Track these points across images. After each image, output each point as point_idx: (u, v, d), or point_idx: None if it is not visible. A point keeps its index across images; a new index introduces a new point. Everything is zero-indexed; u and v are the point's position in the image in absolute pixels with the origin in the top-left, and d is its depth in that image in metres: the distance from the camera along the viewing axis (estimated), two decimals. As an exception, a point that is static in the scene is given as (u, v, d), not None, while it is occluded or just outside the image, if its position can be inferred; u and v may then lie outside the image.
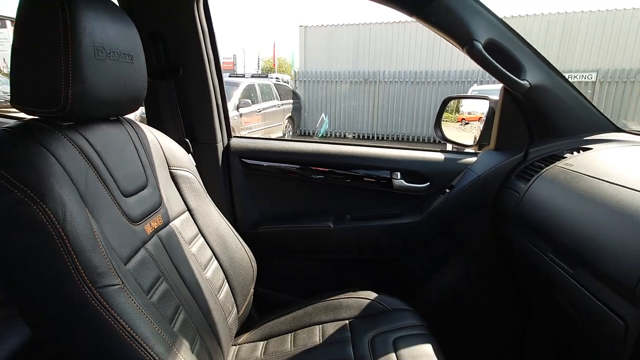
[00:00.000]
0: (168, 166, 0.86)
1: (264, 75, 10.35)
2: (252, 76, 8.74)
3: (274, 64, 19.98)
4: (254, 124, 7.34)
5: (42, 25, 0.55)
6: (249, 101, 7.12)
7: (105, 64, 0.61)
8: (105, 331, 0.51)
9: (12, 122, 0.59)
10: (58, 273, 0.49)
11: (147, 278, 0.65)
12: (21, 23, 0.56)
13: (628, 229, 0.63)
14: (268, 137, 1.70)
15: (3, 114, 1.24)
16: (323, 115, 9.95)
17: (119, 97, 0.67)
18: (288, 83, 10.46)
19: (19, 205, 0.48)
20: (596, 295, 0.66)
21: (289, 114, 9.15)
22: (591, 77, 9.93)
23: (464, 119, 1.90)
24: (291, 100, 9.30)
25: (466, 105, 2.16)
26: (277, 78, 9.70)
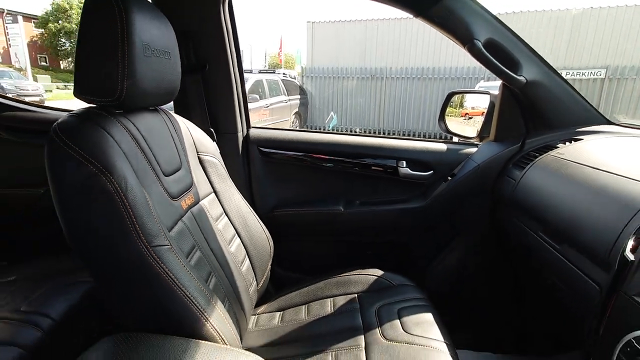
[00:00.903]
0: (197, 152, 0.96)
1: (272, 71, 10.45)
2: (260, 72, 8.82)
3: (281, 60, 20.03)
4: (262, 119, 7.44)
5: (103, 29, 0.64)
6: (257, 96, 7.21)
7: (150, 61, 0.71)
8: (157, 282, 0.61)
9: (45, 111, 0.69)
10: (122, 233, 0.59)
11: (185, 246, 0.76)
12: (85, 27, 0.66)
13: (606, 207, 0.72)
14: (284, 128, 1.80)
15: (36, 104, 1.36)
16: (332, 113, 10.03)
17: (159, 90, 0.77)
18: (295, 79, 10.54)
19: (92, 176, 0.58)
20: (578, 266, 0.75)
21: (296, 110, 9.23)
22: (600, 74, 9.86)
23: (467, 113, 1.97)
24: (298, 96, 9.37)
25: (470, 101, 2.23)
26: (284, 74, 9.78)
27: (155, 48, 0.72)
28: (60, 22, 23.77)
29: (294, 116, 9.11)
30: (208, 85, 1.20)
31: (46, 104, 5.13)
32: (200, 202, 0.90)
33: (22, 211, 1.33)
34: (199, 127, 1.03)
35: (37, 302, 0.92)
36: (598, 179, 0.80)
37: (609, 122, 1.09)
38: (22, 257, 1.15)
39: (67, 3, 23.51)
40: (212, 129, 1.20)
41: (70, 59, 26.48)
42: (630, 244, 0.61)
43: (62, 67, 26.80)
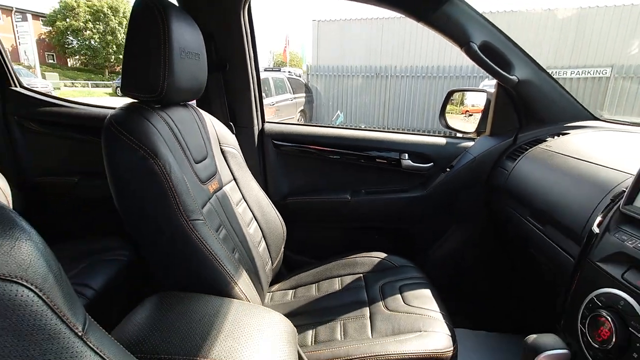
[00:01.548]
0: (219, 143, 1.07)
1: (277, 69, 10.56)
2: (265, 70, 8.92)
3: (286, 58, 20.08)
4: (268, 117, 7.51)
5: (148, 36, 0.76)
6: (263, 94, 7.30)
7: (184, 62, 0.82)
8: (194, 250, 0.73)
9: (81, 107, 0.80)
10: (167, 207, 0.71)
11: (214, 223, 0.87)
12: (131, 34, 0.77)
13: (582, 191, 0.82)
14: (296, 123, 1.91)
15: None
16: (339, 111, 10.13)
17: (191, 87, 0.88)
18: (300, 77, 10.64)
19: (143, 160, 0.70)
20: (559, 244, 0.85)
21: (302, 108, 9.33)
22: (606, 73, 9.86)
23: (467, 111, 2.07)
24: (304, 94, 9.47)
25: (470, 99, 2.34)
26: (289, 72, 9.88)
27: (188, 51, 0.83)
28: (67, 20, 24.02)
29: (299, 114, 9.22)
30: (228, 83, 1.31)
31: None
32: (223, 188, 1.01)
33: (59, 198, 1.45)
34: (219, 120, 1.14)
35: (78, 276, 1.04)
36: (578, 167, 0.90)
37: (594, 118, 1.19)
38: (60, 239, 1.28)
39: (75, 1, 23.74)
40: (231, 123, 1.32)
41: (77, 57, 26.80)
42: (598, 219, 0.71)
43: (69, 64, 27.11)
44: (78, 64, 27.87)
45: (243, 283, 0.78)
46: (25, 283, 0.35)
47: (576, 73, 10.05)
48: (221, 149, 1.08)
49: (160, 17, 0.75)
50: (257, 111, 1.40)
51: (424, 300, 1.00)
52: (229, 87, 1.32)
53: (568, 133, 1.14)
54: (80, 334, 0.38)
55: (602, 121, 1.17)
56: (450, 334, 0.87)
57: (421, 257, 1.44)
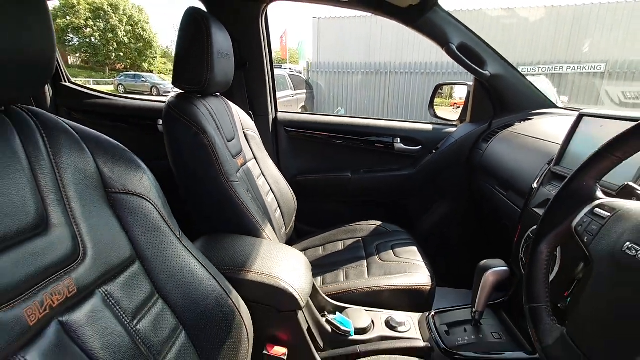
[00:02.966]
0: (242, 128, 1.30)
1: (278, 66, 10.75)
2: (267, 67, 9.08)
3: (285, 55, 20.18)
4: (270, 112, 7.73)
5: (195, 41, 0.98)
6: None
7: (220, 61, 1.04)
8: (232, 203, 0.96)
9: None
10: (213, 173, 0.94)
11: (243, 188, 1.10)
12: (181, 39, 1.00)
13: (531, 160, 1.05)
14: (304, 112, 2.14)
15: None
16: (340, 107, 10.36)
17: (223, 81, 1.11)
18: (301, 74, 10.85)
19: (195, 135, 0.93)
20: (515, 204, 1.08)
21: (302, 104, 9.55)
22: (600, 68, 10.07)
23: (455, 103, 2.29)
24: (304, 90, 9.69)
25: (458, 92, 2.56)
26: (290, 69, 10.08)
27: (222, 52, 1.06)
28: (68, 17, 24.17)
29: (300, 110, 9.43)
30: (248, 78, 1.54)
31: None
32: (247, 164, 1.24)
33: None
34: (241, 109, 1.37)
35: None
36: (532, 143, 1.13)
37: (555, 106, 1.42)
38: None
39: (76, -1, 23.92)
40: (250, 112, 1.55)
41: (77, 54, 26.96)
42: (538, 179, 0.94)
43: (70, 62, 27.26)
44: (79, 62, 28.03)
45: (268, 230, 1.01)
46: (148, 199, 0.59)
47: (572, 68, 10.28)
48: (244, 133, 1.31)
49: (204, 26, 0.98)
50: (271, 102, 1.63)
51: (412, 253, 1.23)
52: (249, 82, 1.55)
53: (532, 119, 1.37)
54: (178, 236, 0.63)
55: (560, 109, 1.40)
56: (430, 274, 1.11)
57: (412, 226, 1.67)
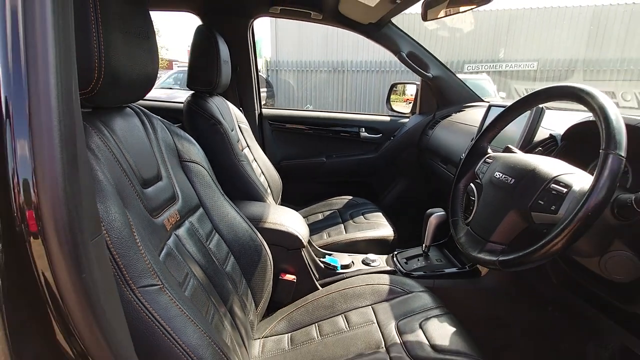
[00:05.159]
0: (237, 121, 1.57)
1: (237, 64, 10.73)
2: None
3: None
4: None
5: (205, 51, 1.25)
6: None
7: (224, 67, 1.32)
8: (241, 175, 1.24)
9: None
10: (226, 154, 1.21)
11: (248, 166, 1.38)
12: (194, 49, 1.26)
13: (462, 140, 1.43)
14: (285, 108, 2.48)
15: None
16: (309, 104, 10.67)
17: (225, 83, 1.38)
18: (260, 71, 10.94)
19: (213, 125, 1.20)
20: (452, 173, 1.46)
21: (263, 102, 9.71)
22: (533, 66, 11.22)
23: (408, 99, 2.68)
24: (265, 89, 9.87)
25: (409, 90, 2.98)
26: (250, 67, 10.16)
27: (225, 60, 1.33)
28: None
29: (262, 108, 9.58)
30: (238, 80, 1.81)
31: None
32: (243, 150, 1.52)
33: None
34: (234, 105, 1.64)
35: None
36: (464, 128, 1.52)
37: (481, 100, 1.83)
38: None
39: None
40: (241, 108, 1.82)
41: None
42: (465, 152, 1.31)
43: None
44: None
45: (270, 198, 1.30)
46: (202, 166, 0.88)
47: (509, 66, 11.37)
48: (239, 125, 1.58)
49: (213, 40, 1.25)
50: (257, 100, 1.91)
51: (378, 217, 1.58)
52: (239, 83, 1.82)
53: (464, 110, 1.77)
54: (222, 193, 0.91)
55: (485, 102, 1.82)
56: (393, 229, 1.46)
57: (377, 199, 2.03)
